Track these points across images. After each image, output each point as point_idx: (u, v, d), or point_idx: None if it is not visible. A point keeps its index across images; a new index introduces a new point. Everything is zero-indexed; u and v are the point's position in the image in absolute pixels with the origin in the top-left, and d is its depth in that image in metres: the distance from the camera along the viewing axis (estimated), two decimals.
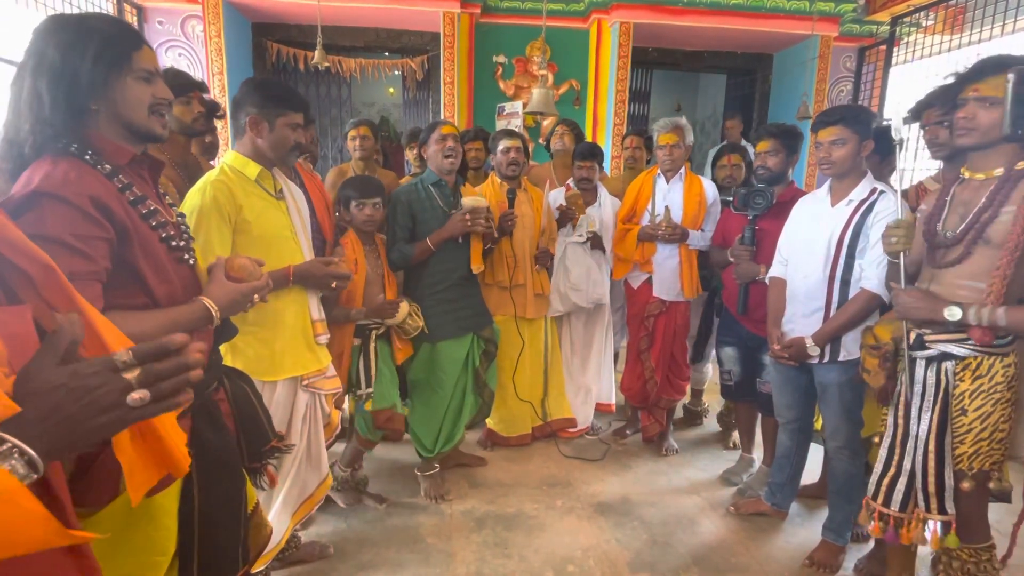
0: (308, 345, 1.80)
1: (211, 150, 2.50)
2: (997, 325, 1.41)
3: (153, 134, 1.11)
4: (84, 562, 0.70)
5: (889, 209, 1.89)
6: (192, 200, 1.56)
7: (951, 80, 1.53)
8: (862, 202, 1.95)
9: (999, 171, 1.45)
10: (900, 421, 1.62)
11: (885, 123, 3.95)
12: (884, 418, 1.74)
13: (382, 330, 2.29)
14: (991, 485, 1.51)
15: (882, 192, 1.94)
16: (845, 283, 1.98)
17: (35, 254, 0.71)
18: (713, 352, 3.03)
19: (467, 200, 2.46)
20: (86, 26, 1.03)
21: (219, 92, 4.14)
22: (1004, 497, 1.66)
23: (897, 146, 1.62)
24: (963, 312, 1.44)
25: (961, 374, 1.51)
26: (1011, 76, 1.30)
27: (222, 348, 1.45)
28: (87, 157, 1.02)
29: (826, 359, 2.03)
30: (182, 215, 1.23)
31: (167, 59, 4.37)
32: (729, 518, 2.44)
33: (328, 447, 2.06)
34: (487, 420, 2.96)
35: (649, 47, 4.92)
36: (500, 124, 4.66)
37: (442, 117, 4.40)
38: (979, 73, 1.45)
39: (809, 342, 2.02)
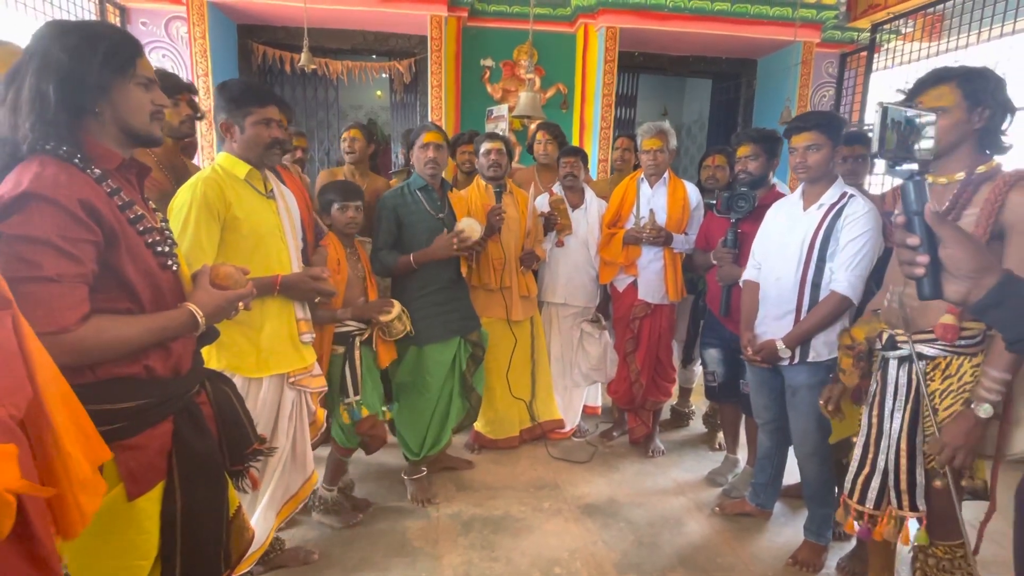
0: (294, 343, 1.80)
1: (189, 151, 2.48)
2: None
3: (153, 138, 1.15)
4: None
5: (858, 212, 1.93)
6: (182, 197, 1.57)
7: (902, 96, 1.59)
8: (832, 206, 1.98)
9: (960, 175, 1.49)
10: (875, 420, 1.65)
11: (866, 128, 4.01)
12: (860, 419, 1.76)
13: (365, 335, 2.26)
14: (963, 483, 1.54)
15: (851, 196, 1.97)
16: (816, 286, 2.01)
17: None
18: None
19: (464, 223, 2.46)
20: (93, 31, 1.06)
21: (204, 94, 4.10)
22: (981, 495, 1.69)
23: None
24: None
25: (931, 374, 1.54)
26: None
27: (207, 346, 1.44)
28: (76, 160, 1.02)
29: (796, 360, 2.06)
30: (166, 220, 1.23)
31: (151, 60, 4.31)
32: (715, 518, 2.46)
33: (313, 448, 2.05)
34: (475, 423, 2.96)
35: (635, 51, 4.96)
36: (488, 127, 4.67)
37: (430, 120, 4.39)
38: (920, 87, 1.52)
39: (780, 344, 2.05)
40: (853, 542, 2.16)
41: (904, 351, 1.58)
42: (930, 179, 1.58)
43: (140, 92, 1.10)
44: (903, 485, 1.58)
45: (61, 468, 0.74)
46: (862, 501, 1.66)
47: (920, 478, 1.57)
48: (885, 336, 1.64)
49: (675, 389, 3.26)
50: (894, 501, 1.61)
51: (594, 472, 2.83)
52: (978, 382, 1.44)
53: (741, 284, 2.29)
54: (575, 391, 3.21)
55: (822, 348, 2.02)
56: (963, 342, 1.49)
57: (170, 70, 4.27)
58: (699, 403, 3.48)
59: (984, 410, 1.41)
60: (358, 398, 2.20)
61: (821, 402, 1.86)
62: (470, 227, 2.45)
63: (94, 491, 0.81)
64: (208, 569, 1.21)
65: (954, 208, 1.48)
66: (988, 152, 1.50)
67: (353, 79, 4.76)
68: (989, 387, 1.40)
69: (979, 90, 1.45)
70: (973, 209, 1.45)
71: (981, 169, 1.47)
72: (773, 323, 2.10)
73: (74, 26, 1.06)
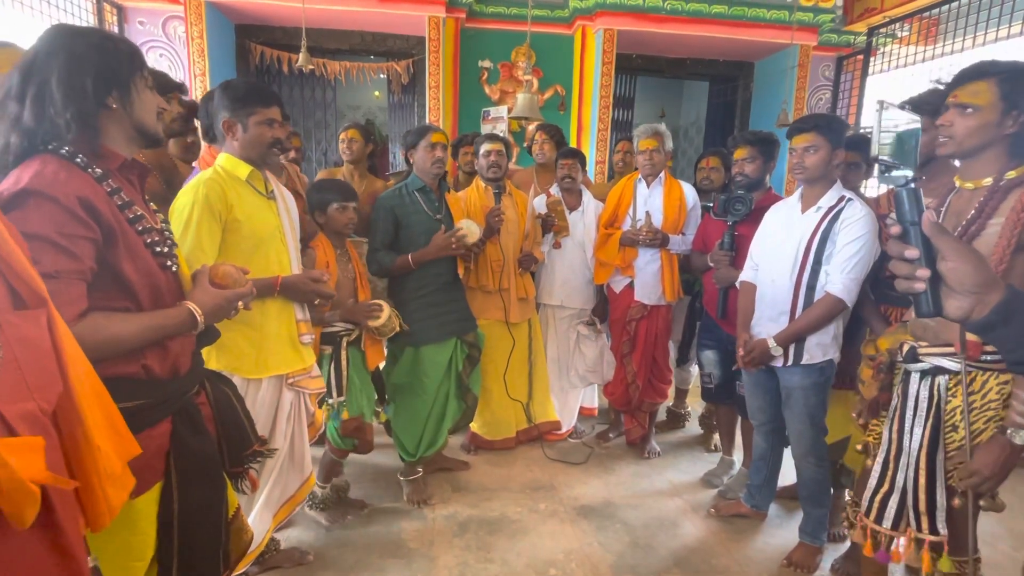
0: (293, 344, 1.81)
1: (193, 150, 2.48)
2: None
3: (159, 137, 1.19)
4: (71, 565, 0.71)
5: (856, 216, 1.93)
6: (184, 198, 1.58)
7: (940, 88, 1.48)
8: (830, 209, 1.99)
9: (988, 180, 1.39)
10: (894, 436, 1.56)
11: (863, 130, 4.03)
12: (875, 428, 1.70)
13: (353, 336, 2.25)
14: (982, 503, 1.43)
15: (849, 200, 1.98)
16: (811, 289, 2.01)
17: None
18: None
19: (464, 224, 2.45)
20: (105, 33, 1.12)
21: (201, 94, 4.09)
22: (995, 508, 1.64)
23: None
24: None
25: (954, 389, 1.45)
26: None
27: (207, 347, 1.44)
28: (78, 160, 1.03)
29: (789, 362, 2.06)
30: (166, 221, 1.23)
31: (148, 60, 4.30)
32: (710, 520, 2.47)
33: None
34: (471, 424, 2.97)
35: (633, 53, 4.97)
36: (485, 128, 4.67)
37: (427, 121, 4.40)
38: (960, 80, 1.41)
39: (771, 343, 2.05)
40: (847, 544, 2.17)
41: (926, 364, 1.50)
42: (957, 183, 1.48)
43: (149, 93, 1.15)
44: (922, 506, 1.47)
45: (91, 462, 0.76)
46: (879, 521, 1.56)
47: (941, 499, 1.46)
48: (906, 348, 1.55)
49: (671, 391, 3.28)
50: (913, 523, 1.50)
51: (590, 473, 2.84)
52: (1010, 407, 1.35)
53: (738, 286, 2.30)
54: (571, 392, 3.22)
55: (816, 350, 2.03)
56: (989, 357, 1.40)
57: (167, 70, 4.28)
58: (695, 405, 3.50)
59: (1021, 437, 1.32)
60: (342, 399, 2.19)
61: (853, 415, 1.77)
62: (469, 229, 2.45)
63: (122, 485, 0.83)
64: (206, 570, 1.21)
65: (979, 216, 1.38)
66: (1019, 159, 1.39)
67: (351, 80, 4.76)
68: (1022, 411, 1.32)
69: (1019, 92, 1.34)
70: (999, 218, 1.35)
71: (1011, 175, 1.37)
72: (768, 324, 2.11)
73: (87, 29, 1.10)
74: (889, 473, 1.56)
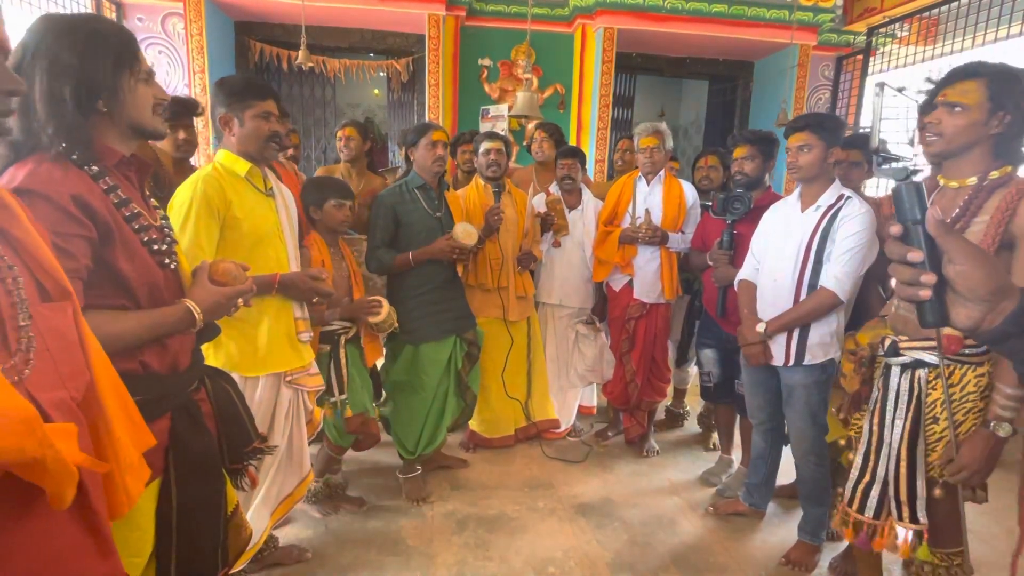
0: (291, 342, 1.81)
1: (187, 147, 2.46)
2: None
3: (158, 132, 1.16)
4: (103, 545, 0.74)
5: (854, 212, 1.93)
6: (182, 195, 1.58)
7: (931, 86, 1.50)
8: (830, 207, 1.99)
9: (972, 180, 1.42)
10: (875, 428, 1.60)
11: (863, 130, 4.03)
12: (857, 422, 1.74)
13: (351, 334, 2.24)
14: (964, 494, 1.49)
15: (848, 198, 1.98)
16: (812, 287, 2.01)
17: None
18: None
19: (459, 230, 2.43)
20: (95, 29, 1.05)
21: (200, 91, 4.09)
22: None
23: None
24: None
25: (933, 382, 1.50)
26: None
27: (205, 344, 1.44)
28: (73, 157, 1.02)
29: (791, 362, 2.06)
30: (166, 218, 1.23)
31: (147, 57, 4.29)
32: (708, 518, 2.47)
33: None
34: (470, 422, 2.97)
35: (633, 52, 4.97)
36: (485, 127, 4.67)
37: (427, 119, 4.39)
38: (950, 79, 1.43)
39: (760, 326, 2.05)
40: (846, 542, 2.18)
41: (906, 358, 1.54)
42: (941, 182, 1.50)
43: (143, 87, 1.11)
44: (903, 496, 1.52)
45: (111, 451, 0.77)
46: (861, 510, 1.62)
47: (921, 489, 1.51)
48: (887, 342, 1.58)
49: (670, 390, 3.28)
50: (894, 512, 1.56)
51: (589, 472, 2.84)
52: (993, 401, 1.38)
53: (735, 285, 2.30)
54: (570, 391, 3.22)
55: (817, 350, 2.03)
56: (968, 351, 1.44)
57: (166, 67, 4.28)
58: (694, 404, 3.50)
59: (1004, 429, 1.36)
60: (344, 397, 2.19)
61: (833, 410, 1.81)
62: (465, 233, 2.44)
63: (140, 475, 0.85)
64: (205, 567, 1.20)
65: (964, 215, 1.41)
66: (1002, 160, 1.42)
67: (351, 77, 4.75)
68: (1005, 405, 1.35)
69: (1005, 93, 1.36)
70: (983, 217, 1.38)
71: (994, 175, 1.40)
72: None
73: (75, 23, 1.04)
74: (871, 464, 1.61)
